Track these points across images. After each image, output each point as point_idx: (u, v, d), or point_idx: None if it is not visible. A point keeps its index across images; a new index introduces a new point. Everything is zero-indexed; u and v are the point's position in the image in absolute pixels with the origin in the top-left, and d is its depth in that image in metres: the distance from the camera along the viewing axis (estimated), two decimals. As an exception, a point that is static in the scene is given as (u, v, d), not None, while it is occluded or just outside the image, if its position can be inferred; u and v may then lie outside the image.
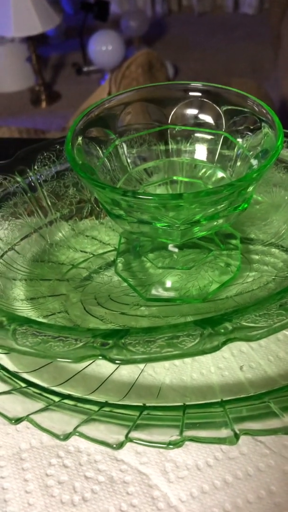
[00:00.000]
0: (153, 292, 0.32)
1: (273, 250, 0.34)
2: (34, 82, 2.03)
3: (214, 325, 0.24)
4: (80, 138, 0.29)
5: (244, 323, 0.23)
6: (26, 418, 0.25)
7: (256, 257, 0.34)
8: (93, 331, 0.25)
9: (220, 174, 0.33)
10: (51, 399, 0.27)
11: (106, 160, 0.32)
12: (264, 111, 0.28)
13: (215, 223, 0.28)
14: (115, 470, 0.26)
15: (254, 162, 0.29)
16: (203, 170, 0.34)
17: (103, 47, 2.05)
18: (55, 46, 2.34)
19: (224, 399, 0.26)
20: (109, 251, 0.36)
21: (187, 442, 0.26)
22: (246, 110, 0.30)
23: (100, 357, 0.23)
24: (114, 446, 0.24)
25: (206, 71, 2.08)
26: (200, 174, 0.34)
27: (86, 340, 0.24)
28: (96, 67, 2.11)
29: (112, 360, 0.23)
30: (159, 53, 1.72)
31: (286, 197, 0.34)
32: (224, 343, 0.23)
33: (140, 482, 0.25)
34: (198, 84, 0.31)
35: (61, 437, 0.24)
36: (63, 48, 2.31)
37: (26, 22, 1.73)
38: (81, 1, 2.14)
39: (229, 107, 0.31)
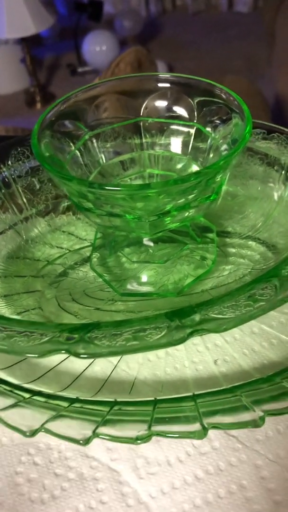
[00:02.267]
0: (129, 287, 0.32)
1: (250, 243, 0.33)
2: (28, 84, 2.03)
3: (182, 317, 0.23)
4: (49, 132, 0.29)
5: (212, 315, 0.23)
6: (-8, 415, 0.25)
7: (233, 250, 0.34)
8: (61, 325, 0.24)
9: (195, 166, 0.32)
10: (22, 396, 0.27)
11: (78, 155, 0.31)
12: (235, 102, 0.28)
13: (186, 214, 0.28)
14: (86, 467, 0.26)
15: (224, 152, 0.28)
16: (178, 163, 0.33)
17: (97, 47, 2.05)
18: (49, 47, 2.34)
19: (196, 393, 0.26)
20: (86, 247, 0.36)
21: (159, 438, 0.26)
22: (217, 100, 0.29)
23: (63, 352, 0.22)
24: (81, 442, 0.23)
25: (201, 69, 2.08)
26: (175, 167, 0.34)
27: (52, 334, 0.24)
28: (91, 68, 2.11)
29: (76, 355, 0.22)
30: (153, 52, 1.72)
31: (259, 188, 0.33)
32: (191, 335, 0.22)
33: (111, 478, 0.25)
34: (167, 75, 0.31)
35: (28, 433, 0.24)
36: (58, 49, 2.31)
37: (19, 23, 1.72)
38: (74, 1, 2.14)
39: (201, 98, 0.30)
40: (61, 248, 0.35)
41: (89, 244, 0.36)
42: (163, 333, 0.23)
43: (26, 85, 2.05)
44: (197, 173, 0.24)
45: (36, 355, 0.23)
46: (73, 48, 2.13)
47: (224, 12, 2.50)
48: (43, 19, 1.77)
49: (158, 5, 2.52)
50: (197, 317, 0.23)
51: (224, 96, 0.28)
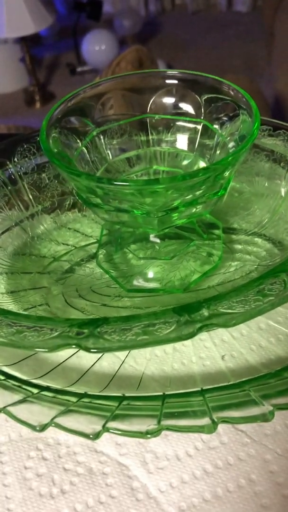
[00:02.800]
0: (135, 283, 0.32)
1: (256, 239, 0.33)
2: (28, 83, 2.03)
3: (191, 311, 0.23)
4: (56, 129, 0.29)
5: (221, 309, 0.23)
6: (3, 410, 0.25)
7: (239, 246, 0.34)
8: (70, 320, 0.25)
9: (201, 163, 0.32)
10: (30, 391, 0.27)
11: (86, 151, 0.31)
12: (242, 98, 0.28)
13: (193, 210, 0.28)
14: (94, 461, 0.26)
15: (231, 149, 0.28)
16: (185, 160, 0.33)
17: (97, 46, 2.05)
18: (48, 46, 2.34)
19: (204, 388, 0.26)
20: (92, 243, 0.36)
21: (167, 433, 0.26)
22: (224, 97, 0.29)
23: (74, 346, 0.22)
24: (91, 436, 0.23)
25: (200, 69, 2.06)
26: (182, 163, 0.34)
27: (62, 329, 0.24)
28: (90, 67, 2.11)
29: (87, 349, 0.22)
30: (153, 51, 1.72)
31: (265, 184, 0.33)
32: (200, 329, 0.22)
33: (120, 473, 0.25)
34: (175, 72, 0.31)
35: (38, 428, 0.24)
36: (57, 48, 2.31)
37: (19, 23, 1.72)
38: (74, 1, 2.14)
39: (208, 95, 0.30)
40: (67, 245, 0.35)
41: (95, 240, 0.36)
42: (172, 328, 0.23)
43: (25, 84, 2.05)
44: (205, 168, 0.24)
45: (47, 350, 0.23)
46: (73, 47, 2.13)
47: (223, 12, 2.51)
48: (43, 18, 1.77)
49: (157, 5, 2.52)
50: (206, 312, 0.23)
51: (232, 93, 0.28)
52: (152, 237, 0.33)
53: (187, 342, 0.30)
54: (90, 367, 0.29)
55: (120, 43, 2.11)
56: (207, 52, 2.19)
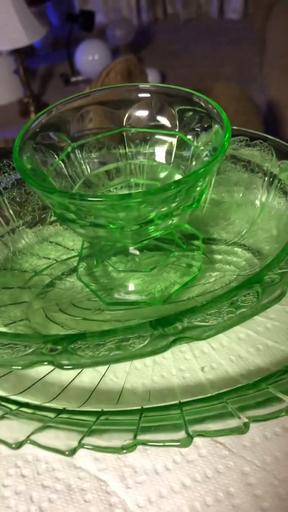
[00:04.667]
0: (115, 296, 0.32)
1: (236, 249, 0.33)
2: (22, 94, 2.04)
3: (165, 325, 0.23)
4: (31, 145, 0.29)
5: (195, 323, 0.23)
6: (-22, 428, 0.25)
7: (219, 257, 0.34)
8: (46, 337, 0.25)
9: (177, 175, 0.32)
10: (9, 408, 0.27)
11: (62, 166, 0.31)
12: (214, 110, 0.28)
13: (169, 222, 0.28)
14: (73, 477, 0.25)
15: (205, 159, 0.28)
16: (162, 172, 0.33)
17: (90, 56, 2.06)
18: (42, 57, 2.35)
19: (182, 400, 0.26)
20: (73, 257, 0.36)
21: (146, 447, 0.26)
22: (198, 109, 0.30)
23: (46, 363, 0.22)
24: (67, 453, 0.23)
25: (193, 76, 2.09)
26: (159, 175, 0.34)
27: (36, 346, 0.24)
28: (84, 77, 2.12)
29: (60, 366, 0.22)
30: (145, 60, 1.73)
31: (243, 195, 0.33)
32: (174, 343, 0.22)
33: (98, 489, 0.25)
34: (148, 86, 0.31)
35: (14, 445, 0.24)
36: (50, 59, 2.32)
37: (11, 35, 1.73)
38: (66, 12, 2.16)
39: (181, 107, 0.31)
40: (49, 258, 0.35)
41: (76, 254, 0.36)
42: (146, 342, 0.23)
43: (19, 95, 2.06)
44: (177, 181, 0.24)
45: (20, 367, 0.23)
46: (66, 58, 2.15)
47: (215, 20, 2.52)
48: (35, 30, 1.78)
49: (150, 14, 2.54)
50: (179, 325, 0.23)
51: (203, 105, 0.29)
52: (131, 250, 0.33)
53: (167, 354, 0.30)
54: (70, 382, 0.29)
55: (113, 52, 2.12)
56: (200, 60, 2.20)
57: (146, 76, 1.09)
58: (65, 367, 0.22)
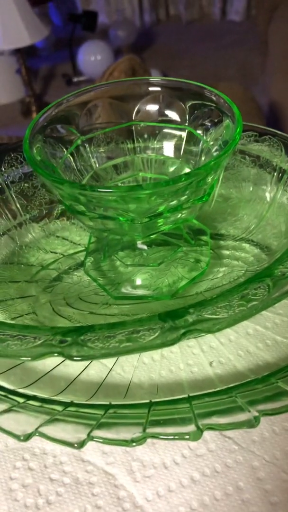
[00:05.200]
0: (123, 290, 0.32)
1: (244, 245, 0.33)
2: (24, 94, 2.04)
3: (175, 318, 0.23)
4: (41, 137, 0.29)
5: (205, 315, 0.23)
6: (-14, 419, 0.24)
7: (227, 252, 0.34)
8: (54, 329, 0.24)
9: (187, 169, 0.32)
10: (16, 401, 0.27)
11: (71, 159, 0.31)
12: (225, 104, 0.28)
13: (178, 216, 0.28)
14: (81, 471, 0.25)
15: (215, 154, 0.28)
16: (171, 166, 0.33)
17: (92, 57, 2.06)
18: (44, 57, 2.35)
19: (191, 394, 0.26)
20: (80, 251, 0.36)
21: (154, 440, 0.26)
22: (208, 103, 0.30)
23: (56, 355, 0.22)
24: (75, 445, 0.23)
25: (195, 78, 2.08)
26: (168, 170, 0.34)
27: (46, 338, 0.23)
28: (86, 77, 2.12)
29: (70, 357, 0.22)
30: (148, 61, 1.73)
31: (251, 190, 0.33)
32: (184, 335, 0.22)
33: (106, 482, 0.25)
34: (158, 79, 0.31)
35: (22, 437, 0.24)
36: (53, 59, 2.32)
37: (14, 35, 1.73)
38: (69, 12, 2.16)
39: (192, 102, 0.30)
40: (55, 253, 0.35)
41: (83, 248, 0.36)
42: (156, 334, 0.23)
43: (21, 95, 2.06)
44: (188, 174, 0.24)
45: (30, 358, 0.23)
46: (68, 58, 2.15)
47: (217, 21, 2.53)
48: (38, 30, 1.78)
49: (152, 15, 2.54)
50: (190, 317, 0.23)
51: (214, 99, 0.29)
52: (139, 244, 0.33)
53: (175, 349, 0.30)
54: (77, 376, 0.29)
55: (115, 53, 2.12)
56: (202, 61, 2.20)
57: (150, 75, 1.09)
58: (75, 358, 0.22)
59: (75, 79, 2.15)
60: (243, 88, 1.26)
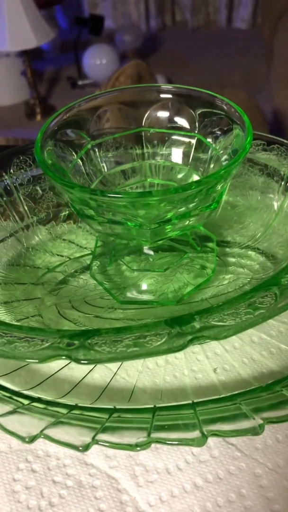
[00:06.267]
0: (128, 295, 0.32)
1: (250, 252, 0.34)
2: (29, 96, 2.05)
3: (182, 324, 0.23)
4: (52, 141, 0.29)
5: (212, 322, 0.23)
6: (-9, 420, 0.25)
7: (233, 259, 0.34)
8: (62, 331, 0.25)
9: (195, 176, 0.33)
10: (21, 403, 0.27)
11: (81, 163, 0.32)
12: (235, 112, 0.28)
13: (187, 222, 0.28)
14: (84, 474, 0.25)
15: (224, 162, 0.28)
16: (179, 173, 0.33)
17: (98, 61, 2.07)
18: (50, 60, 2.36)
19: (195, 400, 0.26)
20: (86, 255, 0.36)
21: (158, 446, 0.26)
22: (218, 112, 0.30)
23: (64, 357, 0.22)
24: (80, 448, 0.23)
25: (200, 84, 2.09)
26: (176, 176, 0.34)
27: (53, 340, 0.24)
28: (91, 81, 2.13)
29: (77, 360, 0.22)
30: (153, 66, 1.74)
31: (259, 198, 0.33)
32: (191, 341, 0.22)
33: (109, 486, 0.25)
34: (169, 87, 0.31)
35: (27, 439, 0.24)
36: (58, 62, 2.33)
37: (21, 37, 1.74)
38: (75, 15, 2.17)
39: (202, 110, 0.31)
40: (62, 256, 0.36)
41: (89, 252, 0.36)
42: (163, 340, 0.23)
43: (26, 97, 2.07)
44: (198, 182, 0.25)
45: (37, 361, 0.23)
46: (74, 61, 2.16)
47: (223, 28, 2.54)
48: (44, 32, 1.79)
49: (158, 21, 2.55)
50: (197, 324, 0.23)
51: (225, 108, 0.29)
52: (146, 249, 0.33)
53: (180, 355, 0.30)
54: (81, 379, 0.29)
55: (120, 57, 2.13)
56: (207, 68, 2.21)
57: (156, 81, 1.09)
58: (82, 362, 0.22)
59: (80, 82, 2.16)
60: (247, 95, 1.27)
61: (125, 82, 0.95)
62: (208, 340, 0.24)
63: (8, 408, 0.26)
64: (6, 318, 0.31)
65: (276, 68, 1.71)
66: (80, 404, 0.27)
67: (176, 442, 0.23)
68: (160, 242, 0.31)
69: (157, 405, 0.26)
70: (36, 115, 1.98)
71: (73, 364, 0.29)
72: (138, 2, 2.49)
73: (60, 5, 2.36)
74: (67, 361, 0.28)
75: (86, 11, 2.51)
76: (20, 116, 2.01)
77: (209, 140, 0.31)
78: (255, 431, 0.23)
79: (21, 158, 0.35)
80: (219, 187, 0.26)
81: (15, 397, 0.27)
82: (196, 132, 0.31)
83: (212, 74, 2.16)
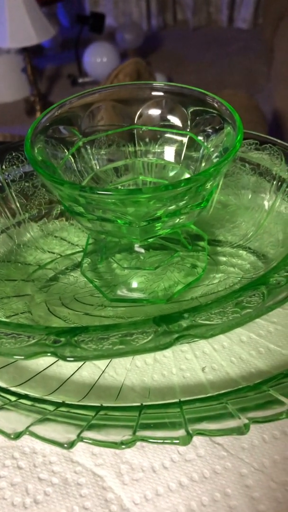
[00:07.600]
0: (119, 292, 0.32)
1: (241, 252, 0.34)
2: (29, 93, 2.05)
3: (169, 322, 0.23)
4: (43, 137, 0.29)
5: (199, 321, 0.23)
6: (-24, 417, 0.24)
7: (224, 258, 0.34)
8: (48, 328, 0.25)
9: (186, 175, 0.32)
10: (8, 399, 0.27)
11: (72, 160, 0.32)
12: (227, 111, 0.28)
13: (177, 220, 0.28)
14: (70, 471, 0.25)
15: (215, 160, 0.28)
16: (171, 171, 0.33)
17: (98, 59, 2.07)
18: (50, 57, 2.36)
19: (182, 399, 0.26)
20: (77, 252, 0.36)
21: (144, 444, 0.26)
22: (210, 110, 0.30)
23: (49, 354, 0.22)
24: (65, 445, 0.23)
25: (200, 83, 2.09)
26: (168, 174, 0.34)
27: (39, 337, 0.24)
28: (91, 79, 2.13)
29: (63, 357, 0.22)
30: (153, 65, 1.74)
31: (250, 198, 0.33)
32: (177, 340, 0.22)
33: (94, 484, 0.25)
34: (162, 84, 0.31)
35: (12, 436, 0.24)
36: (59, 60, 2.33)
37: (22, 34, 1.74)
38: (77, 13, 2.16)
39: (194, 108, 0.31)
40: (53, 253, 0.35)
41: (81, 249, 0.36)
42: (149, 338, 0.23)
43: (26, 94, 2.06)
44: (187, 179, 0.24)
45: (23, 357, 0.23)
46: (74, 59, 2.15)
47: (224, 28, 2.54)
48: (45, 30, 1.78)
49: (159, 19, 2.55)
50: (184, 322, 0.23)
51: (216, 106, 0.29)
52: (137, 247, 0.33)
53: (168, 353, 0.30)
54: (70, 376, 0.29)
55: (121, 56, 2.13)
56: (207, 67, 2.21)
57: (155, 79, 1.09)
58: (68, 359, 0.22)
59: (80, 80, 2.15)
60: (247, 95, 1.27)
61: (124, 79, 0.95)
62: (194, 339, 0.24)
63: (-6, 404, 0.26)
64: (-5, 314, 0.30)
65: (276, 69, 1.71)
66: (67, 402, 0.27)
67: (161, 441, 0.23)
68: (151, 240, 0.31)
69: (144, 403, 0.26)
70: (36, 112, 1.98)
71: (62, 362, 0.29)
72: (140, 0, 2.48)
73: (61, 2, 2.36)
74: (54, 358, 0.28)
75: (87, 9, 2.51)
76: (20, 113, 2.01)
77: (201, 138, 0.31)
78: (240, 430, 0.23)
79: (14, 154, 0.35)
80: (208, 185, 0.26)
81: (2, 394, 0.27)
82: (188, 130, 0.31)
83: (212, 74, 2.16)
